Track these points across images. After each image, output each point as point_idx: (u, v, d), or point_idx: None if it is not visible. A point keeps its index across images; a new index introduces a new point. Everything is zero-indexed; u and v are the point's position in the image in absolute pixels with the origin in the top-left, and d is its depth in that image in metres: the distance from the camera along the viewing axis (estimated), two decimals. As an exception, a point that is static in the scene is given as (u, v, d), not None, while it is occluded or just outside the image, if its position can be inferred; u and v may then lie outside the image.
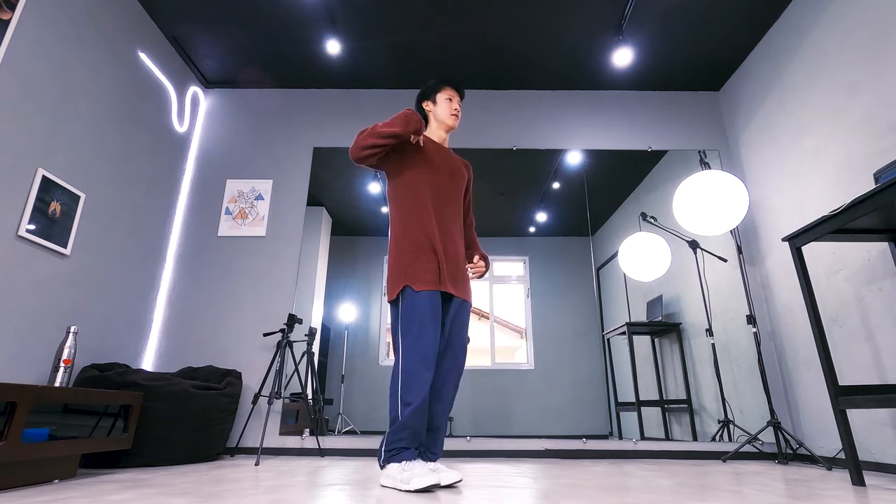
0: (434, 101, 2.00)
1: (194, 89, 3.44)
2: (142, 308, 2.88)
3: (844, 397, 1.78)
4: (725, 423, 2.84)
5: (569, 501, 1.36)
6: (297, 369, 2.87)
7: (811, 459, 2.56)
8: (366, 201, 3.36)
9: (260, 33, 3.09)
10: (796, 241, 2.00)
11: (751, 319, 2.87)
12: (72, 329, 2.03)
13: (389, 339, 1.80)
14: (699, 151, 3.38)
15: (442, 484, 1.57)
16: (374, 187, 3.38)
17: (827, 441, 2.52)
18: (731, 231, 3.15)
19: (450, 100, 1.99)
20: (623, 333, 3.04)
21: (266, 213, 3.25)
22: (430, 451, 1.74)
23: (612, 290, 3.14)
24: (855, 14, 2.36)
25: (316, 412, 2.88)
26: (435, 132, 2.01)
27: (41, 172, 2.16)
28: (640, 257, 3.12)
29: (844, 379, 2.35)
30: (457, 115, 1.99)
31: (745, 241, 3.18)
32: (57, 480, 1.68)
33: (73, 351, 2.01)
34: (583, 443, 2.80)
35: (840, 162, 2.43)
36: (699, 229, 2.78)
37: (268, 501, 1.32)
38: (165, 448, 2.20)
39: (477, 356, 3.03)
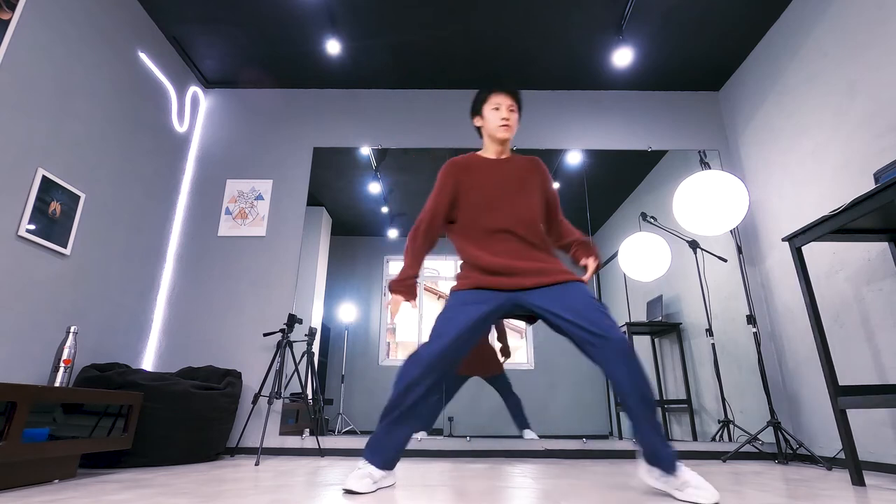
0: (482, 116, 1.82)
1: (194, 89, 3.44)
2: (142, 308, 2.88)
3: (844, 397, 1.78)
4: (725, 423, 2.83)
5: (569, 501, 1.36)
6: (297, 369, 2.87)
7: (811, 459, 2.56)
8: (366, 201, 3.36)
9: (260, 33, 3.09)
10: (796, 241, 2.00)
11: (751, 319, 2.87)
12: (72, 329, 2.03)
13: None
14: (699, 151, 3.38)
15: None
16: (374, 187, 3.38)
17: (827, 441, 2.52)
18: (731, 231, 3.15)
19: (497, 108, 1.78)
20: (623, 333, 3.04)
21: (266, 213, 3.25)
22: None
23: (612, 290, 3.14)
24: (855, 14, 2.36)
25: (316, 412, 2.88)
26: (490, 148, 1.82)
27: (41, 172, 2.16)
28: (640, 257, 3.12)
29: (844, 379, 2.35)
30: (507, 125, 1.76)
31: (745, 241, 3.18)
32: (57, 480, 1.68)
33: (73, 351, 2.01)
34: (583, 443, 2.80)
35: (840, 162, 2.43)
36: (699, 229, 2.78)
37: (268, 501, 1.32)
38: (165, 448, 2.20)
39: (477, 356, 3.03)
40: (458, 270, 1.74)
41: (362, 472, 1.49)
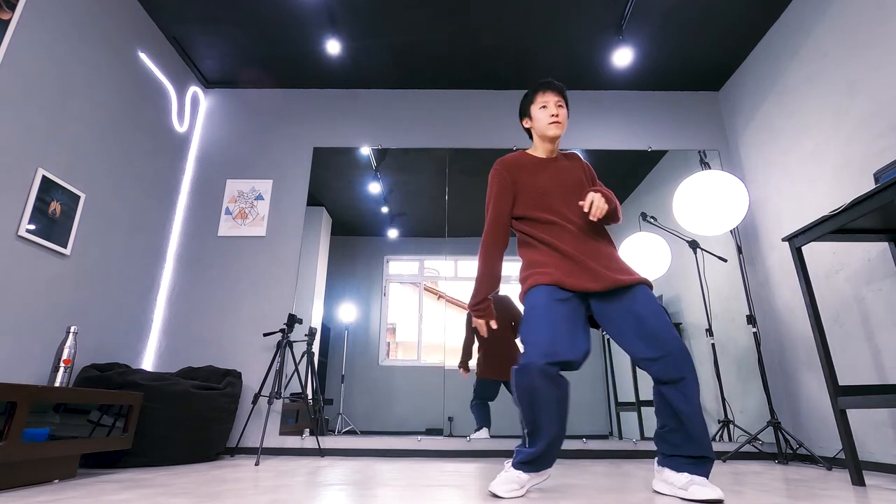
0: (531, 117, 1.79)
1: (194, 89, 3.44)
2: (142, 308, 2.88)
3: (844, 397, 1.78)
4: (725, 423, 2.83)
5: (569, 501, 1.36)
6: (297, 369, 2.87)
7: (811, 459, 2.56)
8: (366, 201, 3.36)
9: (260, 33, 3.09)
10: (796, 241, 2.00)
11: (751, 319, 2.87)
12: (72, 329, 2.03)
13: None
14: (699, 151, 3.38)
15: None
16: (374, 187, 3.38)
17: (827, 441, 2.52)
18: (731, 231, 3.15)
19: (545, 106, 1.75)
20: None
21: (266, 213, 3.25)
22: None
23: (612, 290, 3.13)
24: (855, 14, 2.36)
25: (316, 412, 2.88)
26: (540, 147, 1.79)
27: (41, 172, 2.16)
28: (640, 257, 3.11)
29: (844, 379, 2.35)
30: (558, 122, 1.73)
31: (745, 241, 3.18)
32: (57, 480, 1.68)
33: (73, 351, 2.01)
34: (583, 443, 2.80)
35: (840, 162, 2.43)
36: (699, 229, 2.78)
37: (268, 501, 1.32)
38: (165, 448, 2.20)
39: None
40: (525, 270, 1.67)
41: (509, 477, 1.46)
